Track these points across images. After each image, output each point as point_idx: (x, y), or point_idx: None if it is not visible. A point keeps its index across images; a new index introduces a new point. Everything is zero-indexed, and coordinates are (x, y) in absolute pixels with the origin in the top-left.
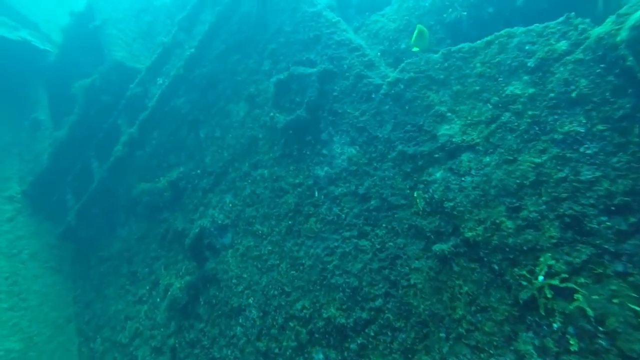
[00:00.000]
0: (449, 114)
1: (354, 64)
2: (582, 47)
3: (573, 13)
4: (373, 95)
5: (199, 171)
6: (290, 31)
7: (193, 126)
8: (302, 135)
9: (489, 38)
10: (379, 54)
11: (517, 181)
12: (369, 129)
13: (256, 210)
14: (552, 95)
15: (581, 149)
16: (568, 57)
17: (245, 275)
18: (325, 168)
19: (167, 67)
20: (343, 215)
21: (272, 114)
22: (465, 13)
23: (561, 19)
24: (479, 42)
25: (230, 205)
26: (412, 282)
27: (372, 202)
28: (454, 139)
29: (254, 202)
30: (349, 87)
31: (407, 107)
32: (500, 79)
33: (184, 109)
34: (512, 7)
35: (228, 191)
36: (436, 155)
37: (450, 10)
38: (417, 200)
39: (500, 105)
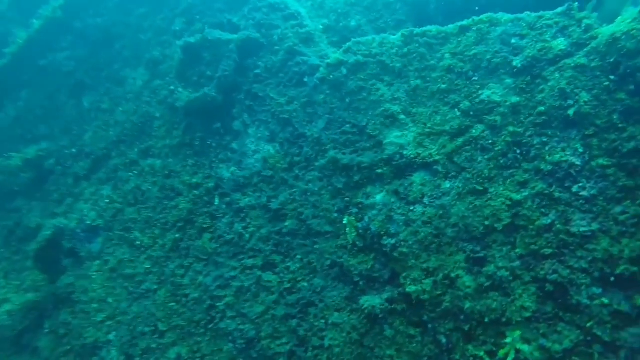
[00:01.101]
0: (402, 117)
1: (287, 36)
2: (586, 50)
3: (576, 3)
4: (306, 79)
5: (74, 150)
6: None
7: (75, 91)
8: (208, 120)
9: (464, 22)
10: (321, 27)
11: (486, 222)
12: (295, 122)
13: (138, 212)
14: (541, 109)
15: (574, 189)
16: (567, 61)
17: (110, 300)
18: (233, 168)
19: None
20: (247, 236)
21: (173, 87)
22: None
23: (561, 9)
24: (451, 26)
25: (107, 201)
26: (326, 343)
27: (287, 224)
28: (405, 152)
29: (137, 200)
30: (276, 64)
31: (348, 100)
32: (475, 79)
33: (66, 67)
34: None
35: (107, 182)
36: (379, 171)
37: (383, 19)
38: (347, 229)
39: (472, 113)
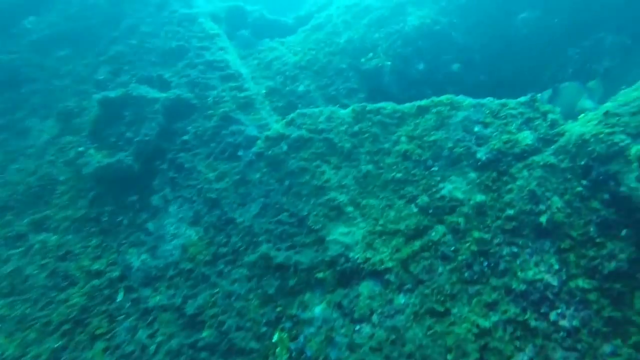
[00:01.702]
0: (350, 209)
1: (224, 99)
2: (554, 147)
3: (539, 95)
4: (241, 153)
5: None
6: (148, 33)
7: None
8: (122, 191)
9: (423, 103)
10: (264, 91)
11: (448, 357)
12: (224, 204)
13: (11, 306)
14: (510, 212)
15: (552, 316)
16: (535, 158)
17: None
18: (144, 255)
19: None
20: (152, 348)
21: (83, 148)
22: (389, 63)
23: (524, 98)
24: (408, 105)
25: None
26: None
27: (205, 335)
28: (352, 254)
29: (13, 289)
30: (208, 131)
31: (287, 183)
32: (434, 169)
33: None
34: (446, 70)
35: None
36: (320, 275)
37: (371, 55)
38: (278, 349)
39: (431, 211)
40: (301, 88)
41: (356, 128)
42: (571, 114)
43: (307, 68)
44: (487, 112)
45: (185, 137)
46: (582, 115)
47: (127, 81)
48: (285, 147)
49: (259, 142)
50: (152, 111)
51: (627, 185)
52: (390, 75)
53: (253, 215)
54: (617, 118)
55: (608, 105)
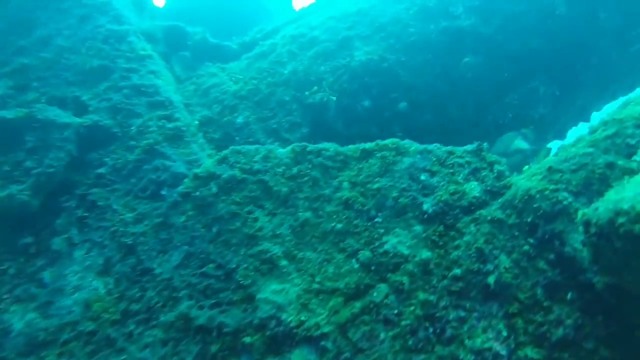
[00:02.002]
0: (284, 262)
1: (150, 129)
2: (501, 201)
3: (486, 143)
4: (164, 192)
5: None
6: (66, 47)
7: None
8: (13, 232)
9: (368, 146)
10: (197, 122)
11: None
12: (141, 251)
13: None
14: (457, 272)
15: None
16: (483, 212)
17: None
18: (32, 314)
19: None
20: None
21: None
22: (334, 98)
23: (471, 147)
24: (352, 147)
25: None
26: None
27: None
28: (284, 315)
29: None
30: (129, 165)
31: (215, 230)
32: (378, 220)
33: None
34: (393, 108)
35: None
36: (247, 340)
37: (316, 88)
38: None
39: (373, 268)
40: (240, 119)
41: (295, 170)
42: (507, 153)
43: (248, 98)
44: (434, 159)
45: (101, 170)
46: (527, 167)
47: (34, 100)
48: (215, 189)
49: (186, 180)
50: (62, 138)
51: (571, 246)
52: (336, 111)
53: (174, 265)
54: (560, 174)
55: (550, 159)
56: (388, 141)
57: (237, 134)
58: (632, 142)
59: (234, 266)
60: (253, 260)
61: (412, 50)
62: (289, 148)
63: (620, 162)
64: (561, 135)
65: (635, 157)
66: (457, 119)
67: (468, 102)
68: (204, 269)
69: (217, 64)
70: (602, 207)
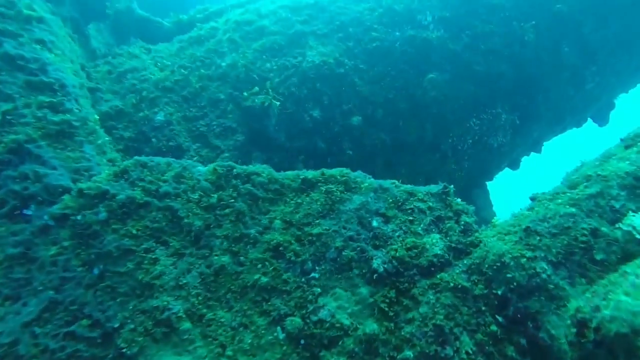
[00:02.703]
0: (186, 325)
1: (23, 119)
2: (467, 262)
3: (452, 186)
4: (29, 211)
5: None
6: None
7: None
8: None
9: (310, 175)
10: (97, 117)
11: None
12: None
13: None
14: (409, 355)
15: None
16: (444, 276)
17: None
18: None
19: None
20: None
21: None
22: (278, 103)
23: (435, 188)
24: (290, 174)
25: None
26: None
27: None
28: None
29: None
30: None
31: (97, 271)
32: (314, 276)
33: None
34: (345, 121)
35: None
36: None
37: (258, 89)
38: None
39: (302, 342)
40: (160, 116)
41: (214, 198)
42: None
43: (174, 91)
44: (391, 201)
45: None
46: (496, 219)
47: None
48: (104, 214)
49: (66, 197)
50: None
51: (547, 332)
52: (279, 118)
53: (26, 321)
54: (538, 238)
55: (527, 217)
56: (336, 171)
57: (154, 134)
58: (617, 205)
59: (116, 325)
60: (144, 318)
61: (373, 57)
62: (210, 167)
63: (605, 229)
64: (514, 165)
65: (620, 224)
66: (415, 141)
67: (428, 124)
68: (72, 327)
69: (143, 43)
70: (608, 312)
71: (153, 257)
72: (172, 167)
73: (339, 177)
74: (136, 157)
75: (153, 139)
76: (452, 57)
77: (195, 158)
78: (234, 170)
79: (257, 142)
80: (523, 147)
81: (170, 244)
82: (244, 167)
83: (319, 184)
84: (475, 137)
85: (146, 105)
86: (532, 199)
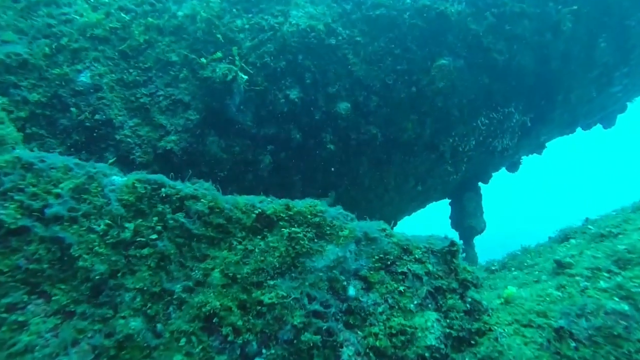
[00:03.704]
0: None
1: None
2: None
3: (461, 242)
4: None
5: None
6: None
7: None
8: None
9: (269, 210)
10: None
11: None
12: None
13: None
14: None
15: None
16: None
17: None
18: None
19: None
20: None
21: None
22: (245, 77)
23: (440, 243)
24: (242, 201)
25: None
26: None
27: None
28: None
29: None
30: None
31: None
32: None
33: None
34: (329, 107)
35: None
36: None
37: (221, 54)
38: None
39: None
40: (85, 77)
41: (129, 231)
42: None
43: (108, 42)
44: (377, 258)
45: None
46: (512, 289)
47: None
48: None
49: None
50: None
51: None
52: (245, 96)
53: None
54: (574, 345)
55: (557, 301)
56: (305, 206)
57: (74, 102)
58: None
59: None
60: None
61: (375, 28)
62: (129, 181)
63: None
64: (513, 168)
65: None
66: (410, 139)
67: (429, 119)
68: None
69: None
70: None
71: (20, 318)
72: (72, 175)
73: (309, 215)
74: (17, 152)
75: (72, 108)
76: (470, 40)
77: (130, 139)
78: (163, 190)
79: (215, 124)
80: (526, 150)
81: (53, 298)
82: (177, 185)
83: (281, 222)
84: (479, 139)
85: (66, 58)
86: (559, 264)
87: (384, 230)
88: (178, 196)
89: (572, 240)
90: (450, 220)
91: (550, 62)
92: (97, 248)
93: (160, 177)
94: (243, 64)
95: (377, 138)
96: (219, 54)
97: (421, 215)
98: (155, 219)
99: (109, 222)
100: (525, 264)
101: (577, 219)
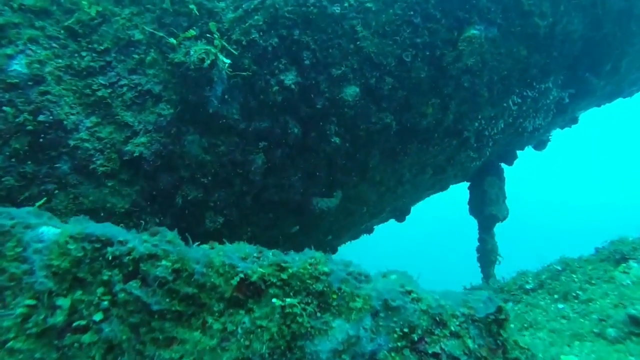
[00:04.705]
0: None
1: None
2: None
3: (510, 304)
4: None
5: None
6: None
7: None
8: None
9: (257, 273)
10: None
11: None
12: None
13: None
14: None
15: None
16: None
17: None
18: None
19: None
20: None
21: None
22: (228, 62)
23: (482, 307)
24: (217, 259)
25: None
26: None
27: None
28: None
29: None
30: None
31: None
32: None
33: None
34: (334, 93)
35: None
36: None
37: (194, 33)
38: None
39: None
40: (19, 64)
41: (61, 314)
42: None
43: (50, 15)
44: (400, 334)
45: None
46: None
47: None
48: None
49: None
50: None
51: None
52: (230, 84)
53: None
54: None
55: None
56: (303, 264)
57: (8, 98)
58: None
59: None
60: None
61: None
62: (61, 236)
63: None
64: (541, 146)
65: None
66: (432, 125)
67: (453, 102)
68: None
69: None
70: None
71: None
72: None
73: (309, 280)
74: None
75: (6, 107)
76: (507, 2)
77: (89, 144)
78: (109, 249)
79: (194, 119)
80: (558, 126)
81: None
82: (129, 240)
83: (272, 289)
84: (509, 120)
85: None
86: (636, 321)
87: (408, 292)
88: (130, 257)
89: (634, 264)
90: (468, 207)
91: (603, 24)
92: (13, 343)
93: (105, 230)
94: (225, 43)
95: (391, 127)
96: (192, 32)
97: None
98: (101, 290)
99: (32, 300)
100: (573, 294)
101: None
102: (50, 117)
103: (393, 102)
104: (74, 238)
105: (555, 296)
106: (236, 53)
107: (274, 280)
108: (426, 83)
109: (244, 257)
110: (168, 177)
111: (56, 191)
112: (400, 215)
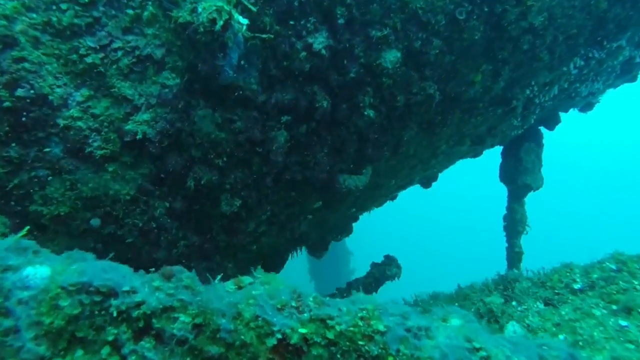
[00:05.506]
0: None
1: None
2: None
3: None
4: None
5: None
6: None
7: None
8: None
9: (297, 335)
10: None
11: None
12: None
13: None
14: None
15: None
16: None
17: None
18: None
19: None
20: None
21: None
22: (246, 22)
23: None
24: (248, 312)
25: None
26: None
27: None
28: None
29: None
30: None
31: None
32: None
33: None
34: (370, 60)
35: None
36: None
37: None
38: None
39: None
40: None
41: None
42: None
43: None
44: None
45: None
46: None
47: None
48: None
49: None
50: None
51: None
52: (247, 49)
53: None
54: None
55: None
56: (353, 318)
57: None
58: None
59: None
60: None
61: None
62: (52, 282)
63: None
64: (587, 108)
65: None
66: (476, 95)
67: (506, 68)
68: None
69: None
70: None
71: None
72: None
73: (361, 341)
74: None
75: None
76: None
77: (82, 123)
78: (113, 302)
79: (206, 90)
80: (615, 86)
81: None
82: (137, 288)
83: (315, 349)
84: (564, 86)
85: None
86: None
87: (476, 350)
88: (140, 311)
89: None
90: (499, 172)
91: None
92: None
93: (107, 276)
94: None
95: (434, 98)
96: None
97: None
98: (106, 351)
99: None
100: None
101: None
102: (32, 92)
103: (438, 69)
104: (67, 291)
105: (614, 307)
106: (254, 9)
107: (318, 340)
108: (479, 46)
109: (279, 308)
110: (177, 157)
111: (50, 177)
112: (427, 182)
